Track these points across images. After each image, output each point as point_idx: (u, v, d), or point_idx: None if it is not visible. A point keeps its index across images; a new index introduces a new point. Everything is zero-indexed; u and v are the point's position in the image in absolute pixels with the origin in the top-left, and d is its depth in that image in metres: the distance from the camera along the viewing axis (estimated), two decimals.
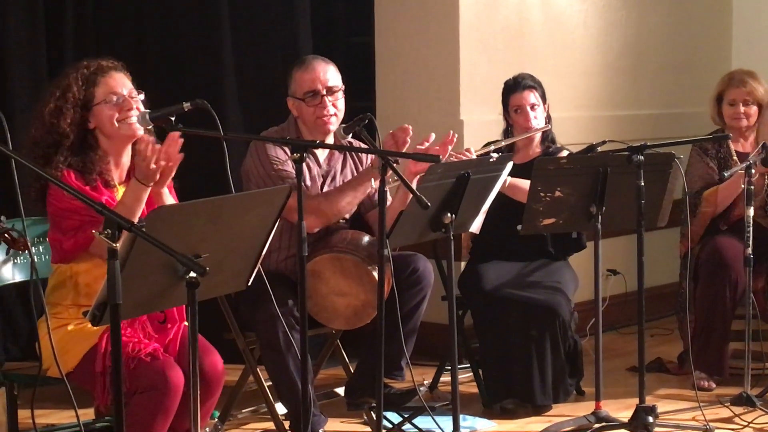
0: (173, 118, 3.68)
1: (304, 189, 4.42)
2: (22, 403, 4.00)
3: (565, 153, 5.16)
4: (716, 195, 5.37)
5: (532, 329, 4.96)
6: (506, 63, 6.00)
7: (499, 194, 4.58)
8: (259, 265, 3.44)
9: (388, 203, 4.25)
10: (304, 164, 3.88)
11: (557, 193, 4.64)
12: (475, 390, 5.20)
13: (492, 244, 5.18)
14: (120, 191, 3.81)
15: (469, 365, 5.36)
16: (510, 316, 4.97)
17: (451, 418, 4.14)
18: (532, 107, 5.16)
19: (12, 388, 3.97)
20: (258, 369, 4.61)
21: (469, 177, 4.07)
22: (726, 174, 5.09)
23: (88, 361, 3.68)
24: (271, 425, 4.68)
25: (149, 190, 3.67)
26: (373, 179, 4.50)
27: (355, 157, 4.78)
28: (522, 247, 5.13)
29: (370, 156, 4.74)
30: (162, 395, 3.57)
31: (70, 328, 3.75)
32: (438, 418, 4.51)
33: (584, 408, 4.90)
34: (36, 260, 4.02)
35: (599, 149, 4.88)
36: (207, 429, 4.52)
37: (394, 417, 4.68)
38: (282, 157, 4.54)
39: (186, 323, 3.72)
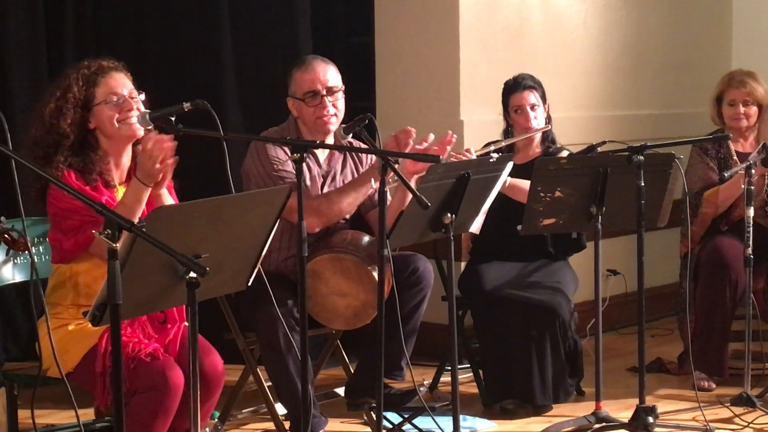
0: (173, 119, 3.67)
1: (305, 189, 4.42)
2: (22, 403, 4.00)
3: (565, 153, 5.16)
4: (717, 196, 5.37)
5: (532, 329, 4.96)
6: (506, 63, 6.00)
7: (499, 194, 4.57)
8: (259, 265, 3.44)
9: (388, 203, 4.25)
10: (304, 164, 3.87)
11: (557, 194, 4.64)
12: (475, 390, 5.20)
13: (492, 244, 5.18)
14: (120, 191, 3.81)
15: (469, 365, 5.36)
16: (510, 316, 4.97)
17: (451, 418, 4.14)
18: (532, 107, 5.16)
19: (12, 388, 3.97)
20: (258, 369, 4.61)
21: (469, 177, 4.07)
22: (726, 174, 5.09)
23: (88, 361, 3.67)
24: (271, 425, 4.68)
25: (150, 190, 3.66)
26: (373, 179, 4.50)
27: (355, 157, 4.78)
28: (522, 248, 5.12)
29: (370, 156, 4.74)
30: (162, 395, 3.57)
31: (70, 328, 3.75)
32: (438, 419, 4.51)
33: (584, 408, 4.90)
34: (36, 260, 4.02)
35: (599, 149, 4.88)
36: (207, 429, 4.52)
37: (394, 417, 4.67)
38: (282, 157, 4.54)
39: (186, 323, 3.72)
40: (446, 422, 4.36)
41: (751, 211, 4.91)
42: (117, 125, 3.79)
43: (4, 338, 5.54)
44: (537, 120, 5.17)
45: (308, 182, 4.59)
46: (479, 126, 5.90)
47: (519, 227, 4.77)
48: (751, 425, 4.76)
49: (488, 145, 5.11)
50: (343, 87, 4.67)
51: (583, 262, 5.39)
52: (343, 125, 4.45)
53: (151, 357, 3.62)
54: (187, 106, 3.65)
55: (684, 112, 7.01)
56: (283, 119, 4.75)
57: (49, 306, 3.76)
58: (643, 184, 4.58)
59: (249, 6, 5.91)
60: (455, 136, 4.54)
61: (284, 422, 4.58)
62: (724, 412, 4.92)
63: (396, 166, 3.86)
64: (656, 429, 4.64)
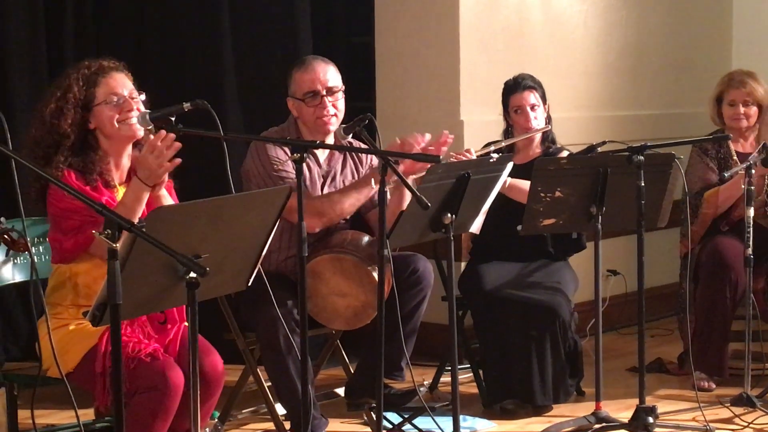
0: (173, 119, 3.67)
1: (306, 190, 4.43)
2: (22, 403, 3.99)
3: (565, 153, 5.16)
4: (717, 196, 5.37)
5: (532, 329, 4.96)
6: (506, 63, 5.99)
7: (500, 194, 4.58)
8: (259, 265, 3.44)
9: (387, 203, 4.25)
10: (304, 165, 3.87)
11: (557, 194, 4.64)
12: (475, 390, 5.20)
13: (492, 244, 5.18)
14: (120, 192, 3.81)
15: (469, 365, 5.36)
16: (510, 316, 4.97)
17: (451, 418, 4.14)
18: (532, 108, 5.16)
19: (12, 388, 3.97)
20: (258, 369, 4.61)
21: (469, 177, 4.07)
22: (726, 174, 5.09)
23: (88, 362, 3.67)
24: (271, 426, 4.68)
25: (150, 190, 3.66)
26: (373, 180, 4.50)
27: (355, 157, 4.78)
28: (522, 248, 5.12)
29: (370, 156, 4.75)
30: (162, 395, 3.57)
31: (70, 328, 3.75)
32: (438, 419, 4.51)
33: (584, 408, 4.90)
34: (36, 260, 4.02)
35: (599, 150, 4.88)
36: (207, 429, 4.52)
37: (394, 417, 4.67)
38: (282, 157, 4.54)
39: (186, 323, 3.72)
40: (446, 422, 4.36)
41: (752, 212, 4.91)
42: (117, 125, 3.79)
43: (4, 338, 5.54)
44: (537, 120, 5.17)
45: (308, 182, 4.59)
46: (479, 126, 5.89)
47: (519, 227, 4.77)
48: (751, 425, 4.76)
49: (488, 145, 5.11)
50: (343, 87, 4.67)
51: (583, 262, 5.39)
52: (343, 125, 4.45)
53: (151, 357, 3.62)
54: (187, 106, 3.66)
55: (684, 113, 7.01)
56: (283, 119, 4.75)
57: (49, 306, 3.75)
58: (643, 184, 4.58)
59: (249, 6, 5.91)
60: (452, 136, 4.53)
61: (284, 422, 4.58)
62: (724, 413, 4.92)
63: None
64: (656, 429, 4.64)
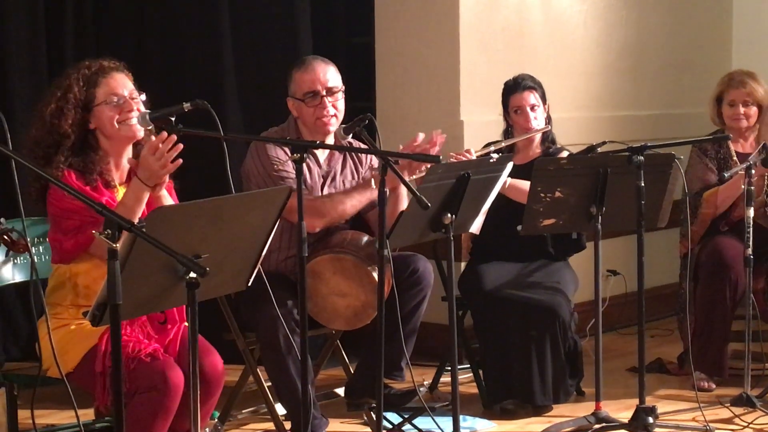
0: (173, 119, 3.67)
1: (307, 190, 4.43)
2: (22, 403, 3.99)
3: (565, 154, 5.16)
4: (716, 196, 5.37)
5: (532, 330, 4.96)
6: (506, 63, 5.99)
7: (499, 195, 4.58)
8: (259, 265, 3.44)
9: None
10: (304, 165, 3.87)
11: (557, 194, 4.64)
12: (475, 390, 5.20)
13: (492, 244, 5.18)
14: (120, 192, 3.81)
15: (469, 366, 5.36)
16: (510, 316, 4.97)
17: (451, 418, 4.14)
18: (532, 108, 5.16)
19: (12, 388, 3.96)
20: (258, 369, 4.61)
21: (469, 177, 4.07)
22: (726, 175, 5.09)
23: (88, 362, 3.67)
24: (271, 426, 4.68)
25: (150, 191, 3.66)
26: (373, 181, 4.51)
27: (355, 157, 4.78)
28: (522, 248, 5.12)
29: (370, 156, 4.75)
30: (162, 395, 3.57)
31: (72, 328, 3.75)
32: (438, 419, 4.51)
33: (584, 408, 4.90)
34: (36, 260, 4.02)
35: (599, 150, 4.88)
36: (207, 429, 4.52)
37: (394, 417, 4.67)
38: (282, 157, 4.54)
39: (186, 323, 3.72)
40: (446, 422, 4.36)
41: (751, 212, 4.91)
42: (117, 126, 3.79)
43: (4, 338, 5.54)
44: (537, 120, 5.17)
45: (308, 183, 4.59)
46: (479, 126, 5.89)
47: (519, 227, 4.77)
48: (751, 426, 4.76)
49: (488, 145, 5.11)
50: (343, 87, 4.67)
51: (583, 262, 5.39)
52: (343, 125, 4.45)
53: (151, 357, 3.62)
54: (187, 106, 3.66)
55: (684, 113, 7.01)
56: (283, 119, 4.75)
57: (49, 306, 3.75)
58: (643, 184, 4.58)
59: (249, 6, 5.91)
60: (444, 135, 4.52)
61: (284, 422, 4.58)
62: (724, 413, 4.92)
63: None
64: (656, 429, 4.64)
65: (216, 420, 4.67)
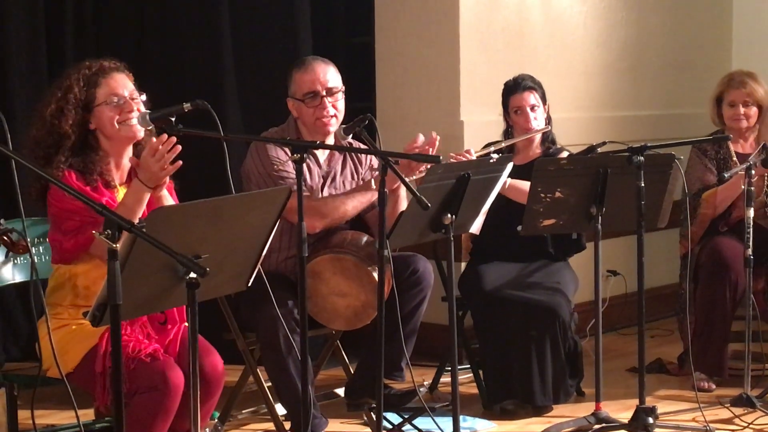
0: (173, 119, 3.67)
1: (308, 191, 4.43)
2: (22, 403, 3.99)
3: (565, 154, 5.16)
4: (715, 196, 5.37)
5: (532, 330, 4.95)
6: (506, 63, 5.99)
7: (499, 195, 4.58)
8: (259, 265, 3.44)
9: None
10: (304, 165, 3.87)
11: (557, 194, 4.64)
12: (475, 391, 5.20)
13: (492, 244, 5.18)
14: (121, 192, 3.81)
15: (469, 366, 5.36)
16: (510, 316, 4.97)
17: (451, 418, 4.14)
18: (532, 108, 5.16)
19: (12, 388, 3.96)
20: (258, 370, 4.61)
21: (469, 178, 4.07)
22: (726, 175, 5.09)
23: (88, 362, 3.67)
24: (271, 426, 4.68)
25: (150, 192, 3.66)
26: (373, 182, 4.51)
27: (355, 158, 4.78)
28: (522, 248, 5.12)
29: (370, 157, 4.75)
30: (162, 396, 3.57)
31: (73, 328, 3.75)
32: (438, 419, 4.51)
33: (584, 409, 4.90)
34: (36, 261, 4.02)
35: (599, 150, 4.88)
36: (207, 429, 4.52)
37: (394, 418, 4.67)
38: (282, 157, 4.54)
39: (186, 324, 3.71)
40: (446, 423, 4.36)
41: (752, 212, 4.91)
42: (117, 126, 3.79)
43: (4, 338, 5.54)
44: (537, 121, 5.17)
45: (309, 183, 4.59)
46: (479, 126, 5.89)
47: (519, 228, 4.77)
48: (751, 426, 4.75)
49: (488, 145, 5.11)
50: (343, 87, 4.67)
51: (583, 262, 5.39)
52: (343, 126, 4.45)
53: (151, 357, 3.62)
54: (187, 106, 3.65)
55: (684, 113, 7.01)
56: (283, 119, 4.75)
57: (49, 306, 3.75)
58: (643, 184, 4.58)
59: (249, 6, 5.91)
60: (438, 137, 4.50)
61: (284, 423, 4.58)
62: (724, 413, 4.92)
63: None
64: (656, 430, 4.64)
65: (216, 420, 4.67)
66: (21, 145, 3.72)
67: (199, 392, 3.17)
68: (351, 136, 4.42)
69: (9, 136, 3.25)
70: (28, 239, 3.53)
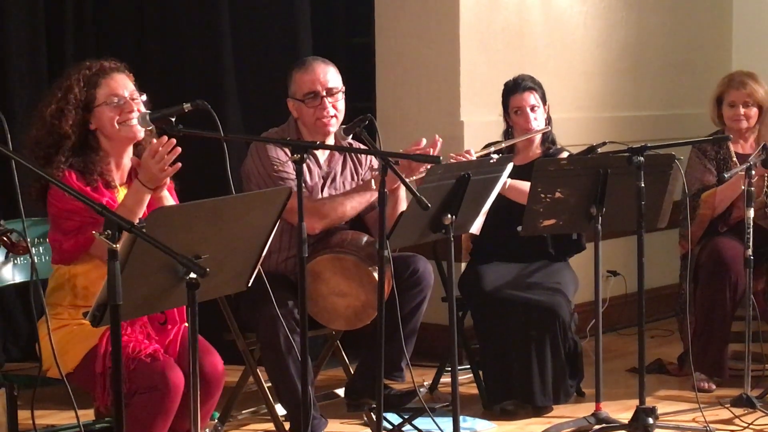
0: (173, 119, 3.67)
1: (308, 191, 4.43)
2: (22, 403, 3.99)
3: (565, 154, 5.16)
4: (714, 197, 5.37)
5: (532, 330, 4.95)
6: (506, 64, 5.99)
7: (500, 195, 4.58)
8: (259, 266, 3.44)
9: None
10: (304, 166, 3.87)
11: (557, 194, 4.64)
12: (475, 391, 5.20)
13: (492, 245, 5.18)
14: (121, 192, 3.81)
15: (469, 366, 5.36)
16: (510, 317, 4.97)
17: (451, 419, 4.14)
18: (532, 109, 5.16)
19: (12, 388, 3.96)
20: (258, 370, 4.61)
21: (469, 178, 4.07)
22: (726, 175, 5.09)
23: (88, 362, 3.67)
24: (271, 426, 4.68)
25: (151, 193, 3.66)
26: (373, 182, 4.51)
27: (355, 158, 4.78)
28: (522, 249, 5.12)
29: (370, 157, 4.75)
30: (162, 396, 3.57)
31: (72, 328, 3.74)
32: (438, 420, 4.51)
33: (584, 409, 4.90)
34: (36, 261, 4.02)
35: (599, 150, 4.88)
36: (207, 430, 4.52)
37: (394, 418, 4.67)
38: (282, 158, 4.54)
39: (186, 324, 3.71)
40: (446, 423, 4.36)
41: (752, 213, 4.91)
42: (117, 127, 3.79)
43: (4, 339, 5.54)
44: (537, 121, 5.17)
45: (309, 183, 4.59)
46: (479, 127, 5.89)
47: (519, 228, 4.77)
48: (751, 426, 4.75)
49: (488, 146, 5.11)
50: (344, 88, 4.67)
51: (583, 263, 5.39)
52: (343, 126, 4.45)
53: (151, 357, 3.62)
54: (187, 106, 3.65)
55: (684, 113, 7.01)
56: (283, 120, 4.75)
57: (49, 307, 3.75)
58: (643, 185, 4.58)
59: (249, 6, 5.91)
60: (441, 140, 4.50)
61: (284, 423, 4.58)
62: (724, 413, 4.92)
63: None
64: (656, 430, 4.64)
65: (216, 420, 4.67)
66: (21, 145, 3.72)
67: (199, 392, 3.17)
68: (351, 136, 4.43)
69: (9, 136, 3.25)
70: (28, 240, 3.53)
